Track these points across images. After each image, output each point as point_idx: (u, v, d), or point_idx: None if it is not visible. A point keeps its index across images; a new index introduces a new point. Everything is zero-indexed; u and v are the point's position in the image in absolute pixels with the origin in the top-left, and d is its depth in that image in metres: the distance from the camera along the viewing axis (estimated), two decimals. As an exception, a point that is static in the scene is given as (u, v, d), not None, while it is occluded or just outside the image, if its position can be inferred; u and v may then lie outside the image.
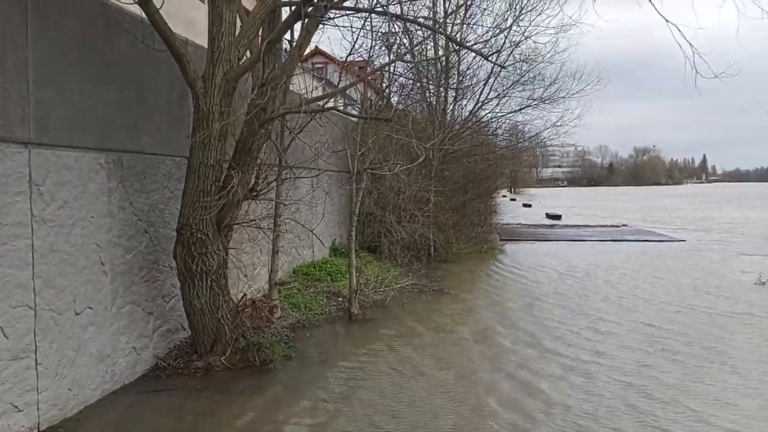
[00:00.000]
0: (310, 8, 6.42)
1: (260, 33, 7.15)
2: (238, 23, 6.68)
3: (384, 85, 15.62)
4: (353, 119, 12.15)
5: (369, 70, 11.43)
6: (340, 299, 10.23)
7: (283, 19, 7.08)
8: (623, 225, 29.51)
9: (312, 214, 11.72)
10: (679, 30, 6.71)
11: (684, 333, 8.78)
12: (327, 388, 6.48)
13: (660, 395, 6.25)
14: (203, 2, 14.16)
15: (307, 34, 6.95)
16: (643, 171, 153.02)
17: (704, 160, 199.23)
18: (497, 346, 8.18)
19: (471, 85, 18.77)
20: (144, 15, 6.04)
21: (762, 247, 19.70)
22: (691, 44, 6.67)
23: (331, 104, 15.02)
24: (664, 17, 6.78)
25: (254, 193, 7.14)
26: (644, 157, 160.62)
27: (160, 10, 6.00)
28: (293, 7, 6.70)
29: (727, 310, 10.30)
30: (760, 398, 6.27)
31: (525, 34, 17.33)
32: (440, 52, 17.50)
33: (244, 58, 6.67)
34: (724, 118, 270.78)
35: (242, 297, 7.82)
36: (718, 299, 11.32)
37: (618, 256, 17.72)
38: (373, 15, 7.96)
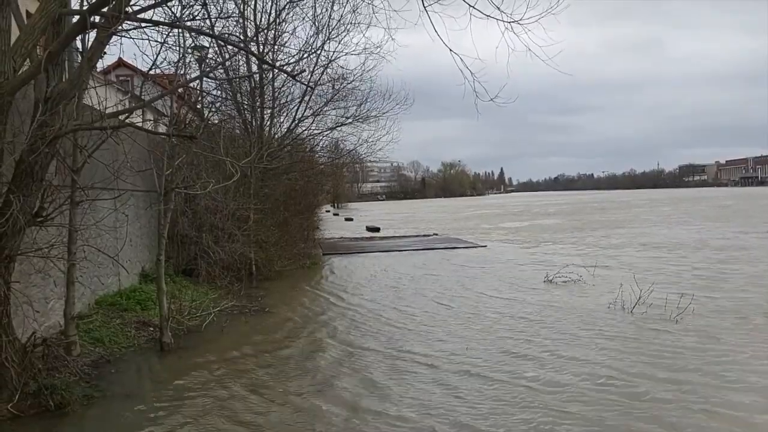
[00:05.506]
0: (101, 19, 5.98)
1: (44, 42, 6.47)
2: (16, 31, 5.99)
3: (195, 99, 15.04)
4: (160, 136, 11.47)
5: (177, 83, 10.92)
6: (151, 329, 9.54)
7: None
8: (434, 234, 31.80)
9: (116, 239, 10.80)
10: (462, 59, 7.49)
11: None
12: (131, 428, 6.01)
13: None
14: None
15: (99, 45, 6.44)
16: (452, 184, 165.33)
17: (502, 173, 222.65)
18: (322, 364, 8.21)
19: (287, 102, 18.92)
20: None
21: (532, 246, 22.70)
22: (471, 72, 7.49)
23: (138, 120, 14.06)
24: (449, 48, 7.52)
25: (39, 219, 6.40)
26: (452, 171, 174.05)
27: None
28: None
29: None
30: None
31: (333, 57, 18.06)
32: (254, 68, 17.35)
33: (23, 69, 5.99)
34: (517, 135, 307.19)
35: (31, 335, 6.96)
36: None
37: (425, 264, 19.20)
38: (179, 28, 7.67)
